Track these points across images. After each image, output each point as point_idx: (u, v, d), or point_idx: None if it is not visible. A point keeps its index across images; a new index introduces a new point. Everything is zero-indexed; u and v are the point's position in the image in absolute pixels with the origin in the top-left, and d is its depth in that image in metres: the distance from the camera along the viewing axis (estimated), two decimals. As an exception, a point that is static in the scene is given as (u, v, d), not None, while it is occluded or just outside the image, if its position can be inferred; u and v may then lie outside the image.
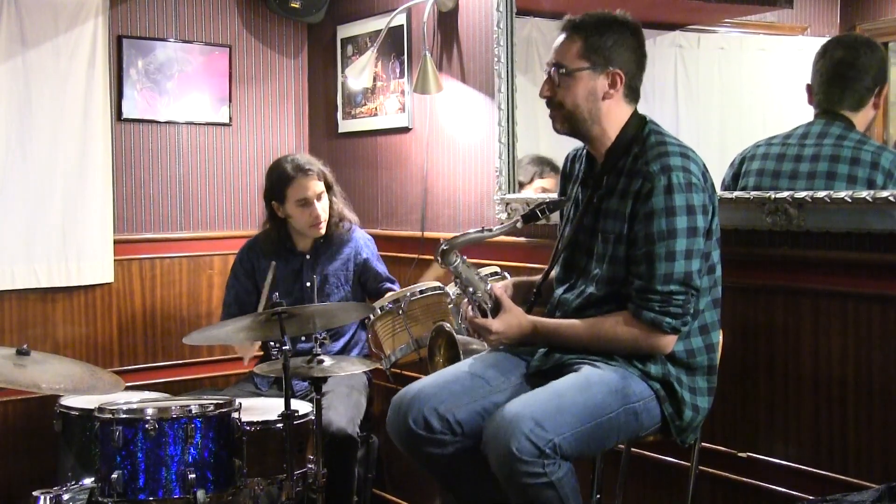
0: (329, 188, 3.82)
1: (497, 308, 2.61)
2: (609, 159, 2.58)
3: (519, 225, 2.67)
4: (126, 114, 4.25)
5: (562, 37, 2.57)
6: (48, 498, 2.91)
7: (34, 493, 2.94)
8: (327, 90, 4.58)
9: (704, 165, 2.51)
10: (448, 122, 3.89)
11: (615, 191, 2.53)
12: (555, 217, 2.94)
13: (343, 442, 3.37)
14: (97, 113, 4.11)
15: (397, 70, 4.10)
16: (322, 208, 3.75)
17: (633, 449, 2.93)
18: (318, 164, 3.80)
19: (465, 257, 2.67)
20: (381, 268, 3.90)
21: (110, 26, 4.15)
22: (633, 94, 2.59)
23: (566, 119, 2.57)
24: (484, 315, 2.62)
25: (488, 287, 2.65)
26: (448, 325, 2.91)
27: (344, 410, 3.45)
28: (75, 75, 4.05)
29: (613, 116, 2.56)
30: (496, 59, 3.55)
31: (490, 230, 2.70)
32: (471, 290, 2.64)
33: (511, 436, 2.27)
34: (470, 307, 2.66)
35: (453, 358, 2.83)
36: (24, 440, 3.95)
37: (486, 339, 2.63)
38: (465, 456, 2.52)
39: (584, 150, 2.71)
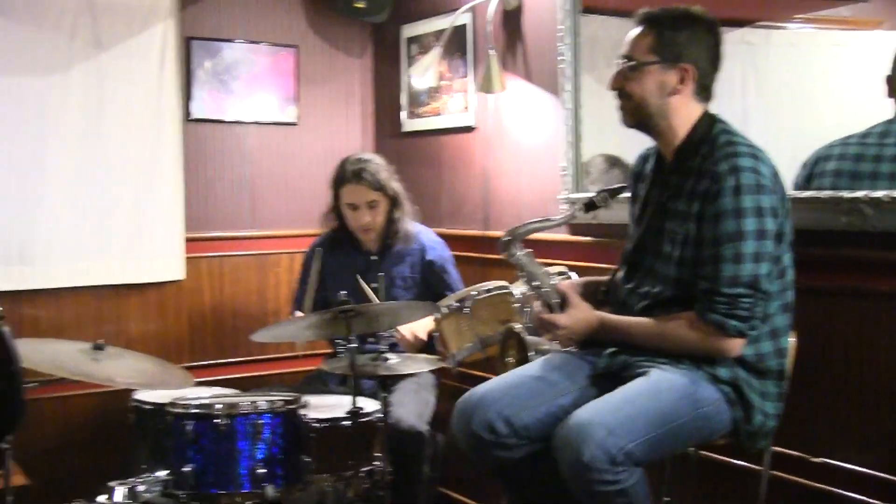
0: (393, 200, 3.78)
1: (564, 303, 2.60)
2: (677, 159, 2.56)
3: (580, 213, 2.67)
4: (194, 114, 4.30)
5: (636, 29, 2.56)
6: (124, 489, 2.95)
7: (110, 484, 2.98)
8: (392, 90, 4.59)
9: (775, 168, 2.47)
10: (512, 122, 3.88)
11: (683, 191, 2.51)
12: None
13: (412, 438, 3.36)
14: (167, 113, 4.16)
15: (461, 69, 4.10)
16: (370, 216, 3.74)
17: (702, 451, 2.90)
18: (379, 174, 3.73)
19: (531, 251, 2.66)
20: (454, 276, 3.84)
21: (180, 28, 4.21)
22: (704, 93, 2.56)
23: (634, 111, 2.57)
24: (551, 310, 2.61)
25: (554, 282, 2.63)
26: (519, 325, 2.90)
27: (413, 407, 3.45)
28: (146, 76, 4.11)
29: (682, 113, 2.54)
30: (561, 58, 3.54)
31: (551, 219, 2.71)
32: (536, 283, 2.63)
33: (583, 444, 2.26)
34: (538, 303, 2.65)
35: (524, 360, 2.82)
36: (100, 432, 4.02)
37: (554, 334, 2.62)
38: (532, 460, 2.52)
39: (655, 150, 2.69)
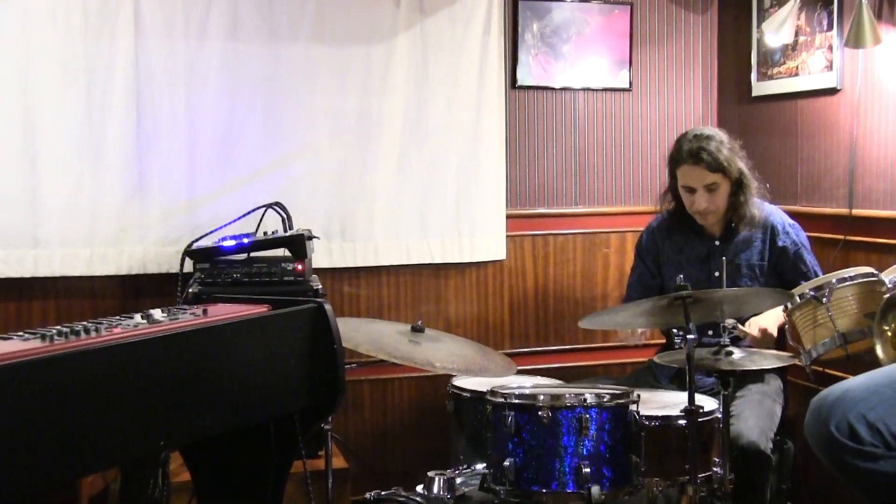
0: (736, 182, 3.45)
1: None
2: None
3: None
4: (520, 81, 4.19)
5: None
6: (442, 480, 2.95)
7: (429, 474, 2.99)
8: (739, 49, 4.30)
9: None
10: (888, 80, 3.50)
11: None
12: None
13: (753, 458, 3.08)
14: (492, 81, 4.07)
15: (824, 22, 3.77)
16: (708, 201, 3.43)
17: None
18: (719, 153, 3.40)
19: None
20: (810, 265, 3.49)
21: (507, -11, 4.14)
22: None
23: None
24: None
25: None
26: None
27: (755, 422, 3.16)
28: (470, 42, 4.03)
29: None
30: (958, 0, 3.08)
31: None
32: None
33: None
34: None
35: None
36: (417, 418, 4.06)
37: None
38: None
39: None
